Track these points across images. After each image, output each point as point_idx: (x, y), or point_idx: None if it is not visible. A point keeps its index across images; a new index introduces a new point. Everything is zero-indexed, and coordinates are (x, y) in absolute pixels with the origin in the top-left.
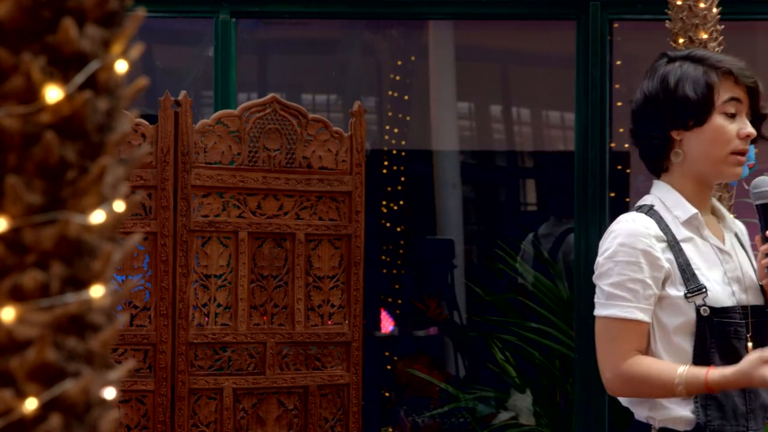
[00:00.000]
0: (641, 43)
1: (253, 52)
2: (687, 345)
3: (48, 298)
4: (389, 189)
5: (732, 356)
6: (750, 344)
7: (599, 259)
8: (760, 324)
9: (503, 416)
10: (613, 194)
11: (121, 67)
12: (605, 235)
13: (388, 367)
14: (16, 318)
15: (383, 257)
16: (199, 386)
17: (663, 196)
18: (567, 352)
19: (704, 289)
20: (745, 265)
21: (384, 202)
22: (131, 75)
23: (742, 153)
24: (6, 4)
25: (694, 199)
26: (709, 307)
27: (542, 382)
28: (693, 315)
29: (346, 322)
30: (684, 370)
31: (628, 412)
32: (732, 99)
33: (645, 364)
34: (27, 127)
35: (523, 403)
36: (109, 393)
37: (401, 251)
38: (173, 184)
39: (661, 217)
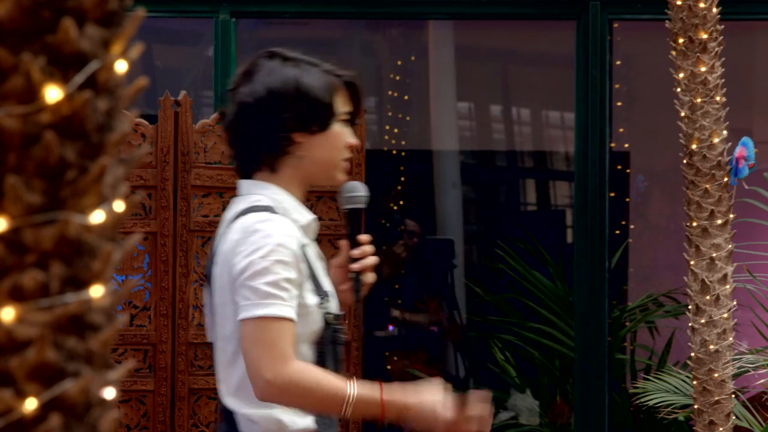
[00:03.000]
0: (641, 43)
1: (253, 52)
2: (309, 352)
3: (48, 298)
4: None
5: (335, 362)
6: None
7: (252, 258)
8: (343, 331)
9: (503, 416)
10: (612, 194)
11: (121, 67)
12: (249, 234)
13: (389, 367)
14: (16, 318)
15: (383, 257)
16: (199, 386)
17: (277, 197)
18: (567, 352)
19: (328, 296)
20: None
21: (384, 202)
22: (131, 75)
23: (348, 162)
24: (6, 4)
25: (301, 202)
26: (330, 314)
27: (542, 382)
28: (320, 323)
29: (346, 322)
30: (355, 389)
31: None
32: (347, 110)
33: (314, 372)
34: (27, 127)
35: (523, 403)
36: (109, 393)
37: None
38: (173, 184)
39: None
